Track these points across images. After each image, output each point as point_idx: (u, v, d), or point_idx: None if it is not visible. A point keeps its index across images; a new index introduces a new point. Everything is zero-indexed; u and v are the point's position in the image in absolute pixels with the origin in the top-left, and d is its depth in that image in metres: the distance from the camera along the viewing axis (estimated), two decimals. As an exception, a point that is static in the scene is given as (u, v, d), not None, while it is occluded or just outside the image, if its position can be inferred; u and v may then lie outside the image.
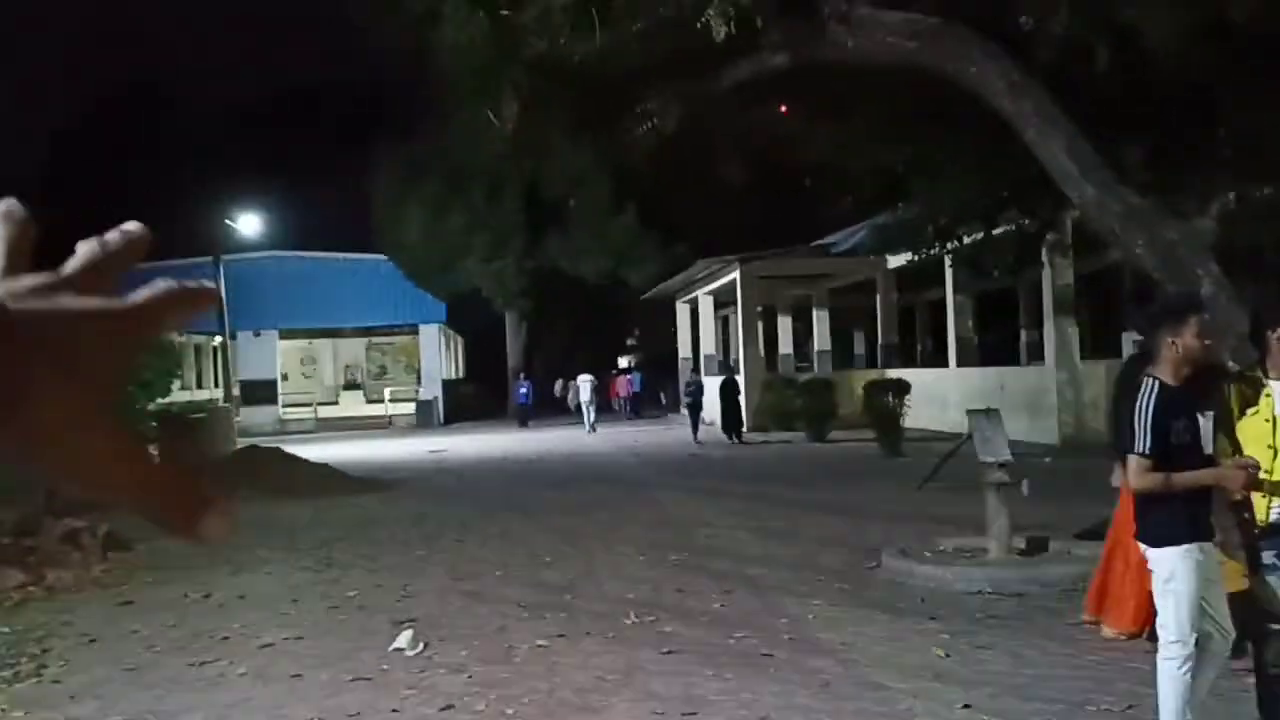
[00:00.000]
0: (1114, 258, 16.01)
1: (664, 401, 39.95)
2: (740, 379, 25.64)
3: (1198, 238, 9.57)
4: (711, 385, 26.63)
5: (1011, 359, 25.13)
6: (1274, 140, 12.57)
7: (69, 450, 0.49)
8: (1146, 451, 4.35)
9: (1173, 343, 4.43)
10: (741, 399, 24.59)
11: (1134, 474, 4.42)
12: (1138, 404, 4.38)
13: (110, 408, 0.50)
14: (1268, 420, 4.60)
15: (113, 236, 0.56)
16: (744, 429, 24.21)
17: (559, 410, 39.57)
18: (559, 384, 42.46)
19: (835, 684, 6.03)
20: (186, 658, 7.05)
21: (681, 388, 33.00)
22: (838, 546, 10.22)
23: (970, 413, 9.47)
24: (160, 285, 0.54)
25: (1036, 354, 22.21)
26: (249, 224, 35.66)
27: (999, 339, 27.50)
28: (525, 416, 34.55)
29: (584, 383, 33.27)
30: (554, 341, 46.33)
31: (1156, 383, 4.42)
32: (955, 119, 10.75)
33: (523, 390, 35.67)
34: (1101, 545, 8.84)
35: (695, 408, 25.54)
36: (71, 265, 0.54)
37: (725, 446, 23.39)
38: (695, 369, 32.07)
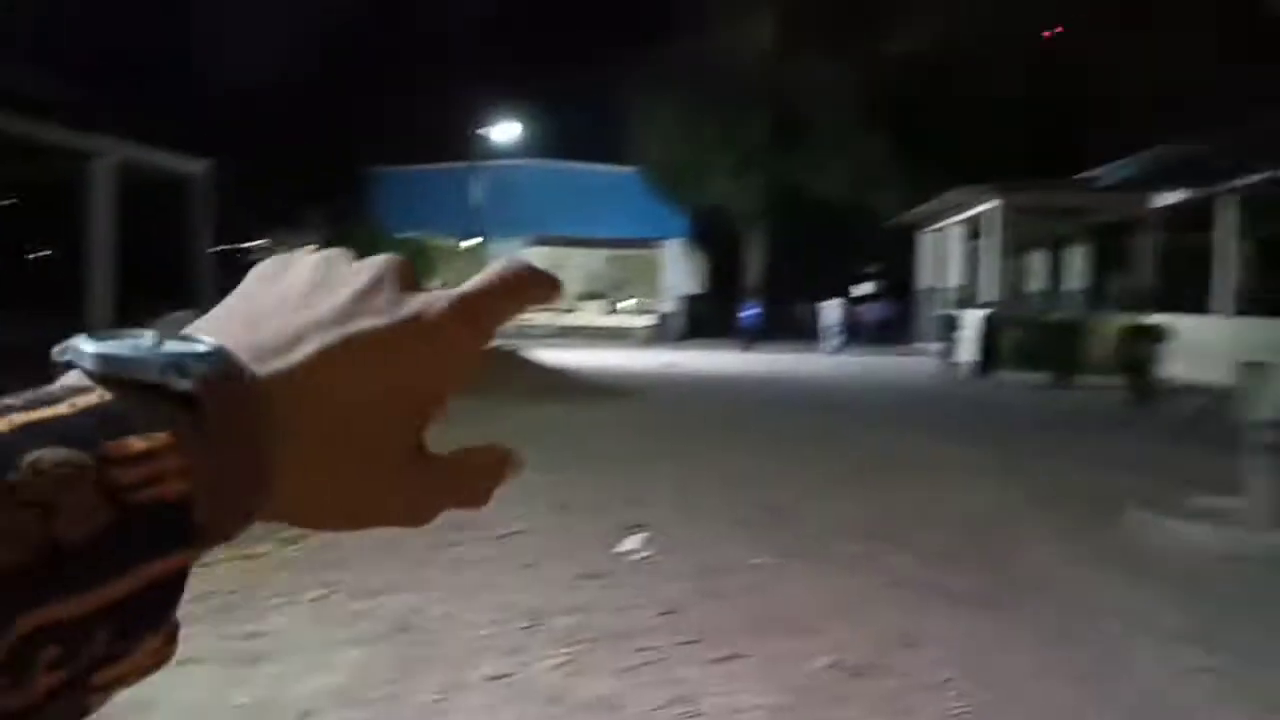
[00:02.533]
0: None
1: (901, 331, 39.06)
2: (989, 314, 24.69)
3: None
4: (965, 319, 25.70)
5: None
6: None
7: (352, 506, 0.46)
8: None
9: None
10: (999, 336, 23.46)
11: None
12: None
13: (412, 447, 0.46)
14: None
15: (520, 269, 0.49)
16: (1000, 367, 23.13)
17: (796, 333, 39.40)
18: (803, 306, 42.13)
19: (1067, 633, 5.83)
20: (429, 539, 7.53)
21: (927, 318, 32.17)
22: (1079, 494, 9.81)
23: (1242, 365, 8.82)
24: (487, 276, 0.48)
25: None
26: (504, 131, 36.79)
27: (1273, 288, 25.37)
28: (750, 339, 33.60)
29: (832, 307, 33.63)
30: (793, 264, 45.94)
31: None
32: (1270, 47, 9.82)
33: (751, 312, 34.75)
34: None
35: (953, 340, 24.51)
36: (456, 291, 0.47)
37: (966, 384, 22.69)
38: (954, 302, 30.91)
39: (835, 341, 33.45)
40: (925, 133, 33.15)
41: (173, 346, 0.41)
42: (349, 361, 0.43)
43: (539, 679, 5.05)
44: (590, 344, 34.46)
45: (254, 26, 40.27)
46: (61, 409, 0.38)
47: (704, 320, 41.15)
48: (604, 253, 46.13)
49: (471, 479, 0.50)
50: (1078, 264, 29.26)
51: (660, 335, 38.23)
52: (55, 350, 0.42)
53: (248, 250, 46.80)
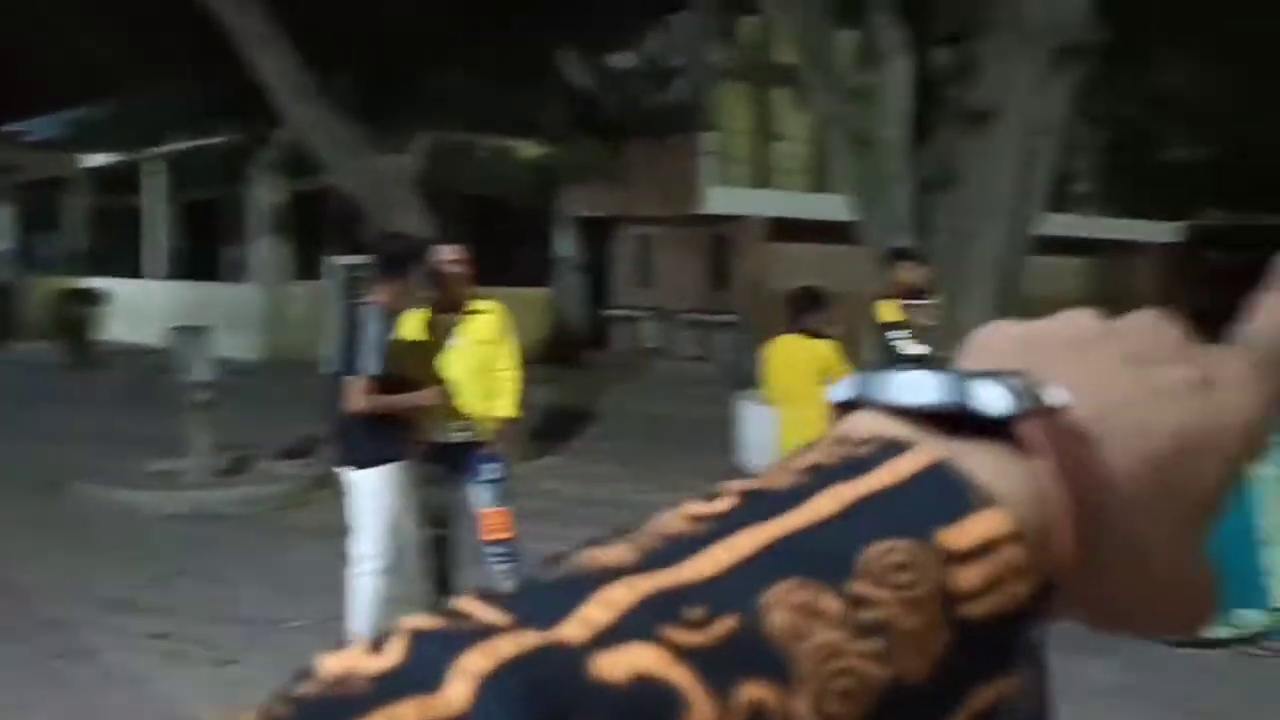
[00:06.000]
0: (325, 181, 16.44)
1: None
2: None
3: (401, 173, 10.23)
4: None
5: (218, 273, 24.64)
6: (462, 96, 13.93)
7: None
8: (368, 373, 4.58)
9: (399, 280, 4.74)
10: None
11: (356, 396, 4.60)
12: (364, 330, 4.59)
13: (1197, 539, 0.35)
14: (462, 347, 5.09)
15: None
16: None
17: None
18: None
19: (18, 625, 5.45)
20: None
21: None
22: (20, 472, 9.21)
23: (175, 329, 9.13)
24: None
25: (242, 270, 22.12)
26: None
27: (206, 252, 26.79)
28: None
29: None
30: None
31: (379, 310, 4.67)
32: (176, 19, 10.18)
33: None
34: (306, 462, 9.14)
35: None
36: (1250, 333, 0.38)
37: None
38: None
39: None
40: None
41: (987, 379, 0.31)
42: (1198, 449, 0.34)
43: None
44: None
45: None
46: (884, 474, 0.29)
47: None
48: None
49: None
50: (5, 223, 27.43)
51: None
52: (838, 389, 0.33)
53: None
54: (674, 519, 0.29)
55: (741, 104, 18.34)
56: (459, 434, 5.09)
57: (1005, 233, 8.90)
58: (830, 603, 0.27)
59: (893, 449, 0.30)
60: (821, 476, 0.29)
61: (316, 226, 20.38)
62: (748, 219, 17.51)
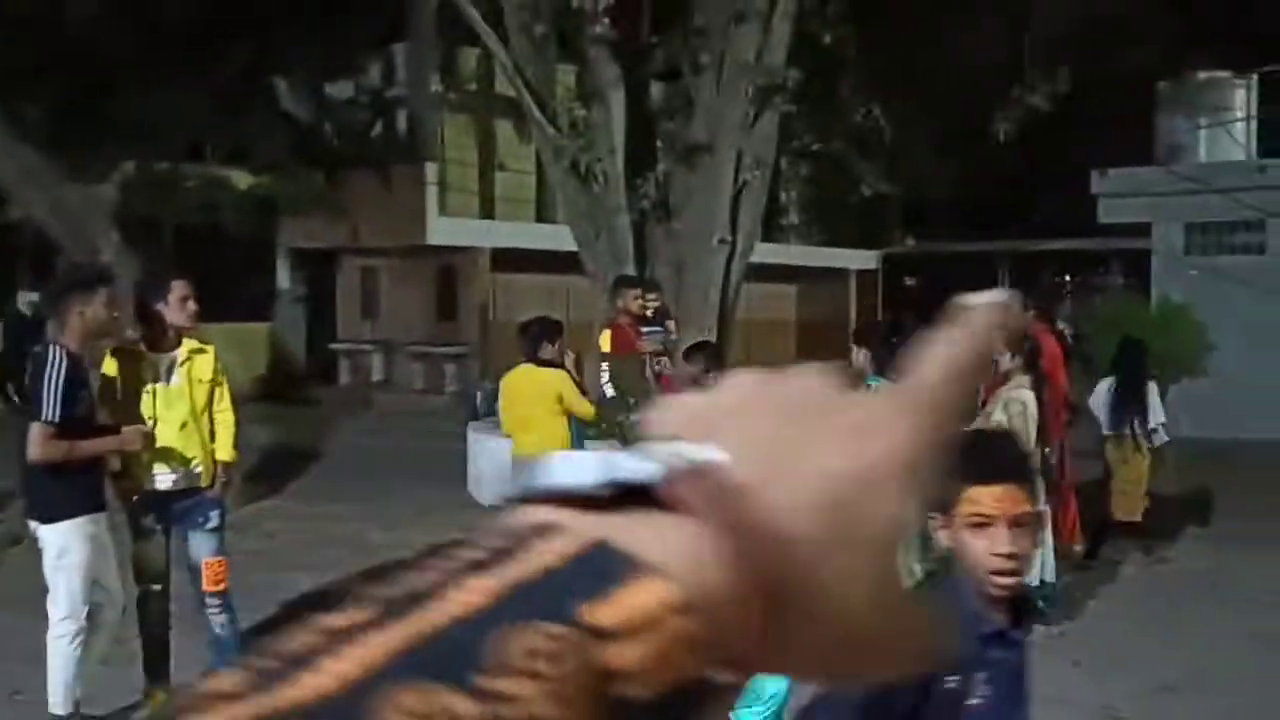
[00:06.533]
0: (14, 215, 15.18)
1: None
2: None
3: (99, 204, 9.57)
4: None
5: None
6: (169, 123, 13.25)
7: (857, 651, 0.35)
8: (55, 419, 4.21)
9: (81, 313, 4.37)
10: None
11: (39, 443, 4.22)
12: (47, 372, 4.22)
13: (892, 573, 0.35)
14: (149, 392, 4.72)
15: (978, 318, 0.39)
16: None
17: None
18: None
19: None
20: None
21: None
22: None
23: None
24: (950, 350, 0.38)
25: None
26: None
27: None
28: None
29: None
30: None
31: (63, 350, 4.31)
32: None
33: None
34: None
35: None
36: (925, 373, 0.37)
37: None
38: None
39: None
40: None
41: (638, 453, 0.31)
42: (865, 487, 0.34)
43: None
44: None
45: None
46: (530, 561, 0.28)
47: None
48: None
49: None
50: None
51: None
52: (511, 487, 0.32)
53: None
54: (305, 633, 0.27)
55: (465, 135, 18.30)
56: (173, 480, 4.78)
57: (721, 261, 9.29)
58: (461, 704, 0.25)
59: (541, 535, 0.29)
60: (463, 570, 0.28)
61: (7, 262, 18.78)
62: (474, 250, 17.46)
